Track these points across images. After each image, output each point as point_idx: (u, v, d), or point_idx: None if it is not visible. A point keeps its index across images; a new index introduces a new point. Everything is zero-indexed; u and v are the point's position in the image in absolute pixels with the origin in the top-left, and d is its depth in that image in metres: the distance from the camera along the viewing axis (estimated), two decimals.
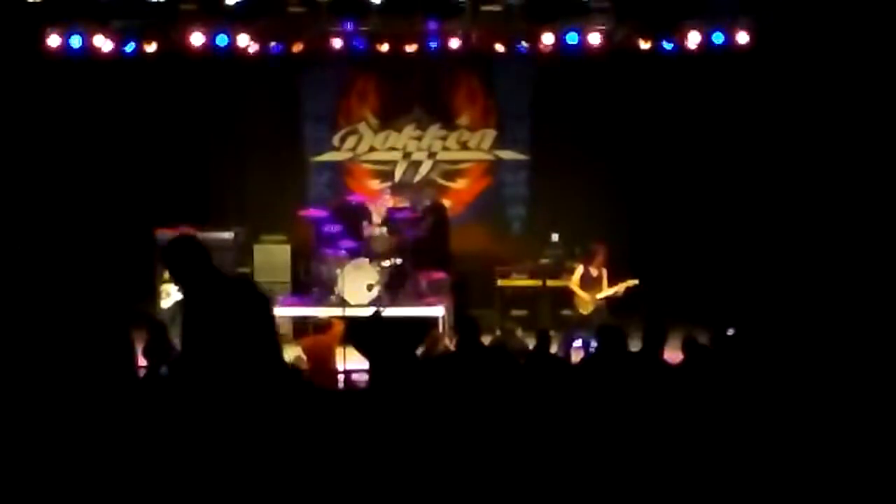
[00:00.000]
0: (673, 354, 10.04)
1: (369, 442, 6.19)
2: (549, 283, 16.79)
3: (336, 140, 19.10)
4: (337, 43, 17.54)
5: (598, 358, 9.76)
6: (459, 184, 19.06)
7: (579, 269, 15.53)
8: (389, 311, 15.56)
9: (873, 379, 7.54)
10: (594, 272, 15.45)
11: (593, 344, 11.00)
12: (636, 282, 15.34)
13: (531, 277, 17.24)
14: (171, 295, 15.29)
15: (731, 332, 10.02)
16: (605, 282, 15.45)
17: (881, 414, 6.92)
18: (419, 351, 10.83)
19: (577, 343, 15.03)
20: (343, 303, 15.86)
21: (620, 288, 15.29)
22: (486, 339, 11.27)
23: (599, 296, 15.38)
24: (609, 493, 6.28)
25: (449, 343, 13.41)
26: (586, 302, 15.37)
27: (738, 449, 6.64)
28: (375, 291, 16.11)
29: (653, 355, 9.36)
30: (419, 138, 19.03)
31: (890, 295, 14.39)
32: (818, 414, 6.97)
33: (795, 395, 7.30)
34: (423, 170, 19.03)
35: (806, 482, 6.31)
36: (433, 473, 6.05)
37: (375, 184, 18.95)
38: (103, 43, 17.21)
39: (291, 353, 12.67)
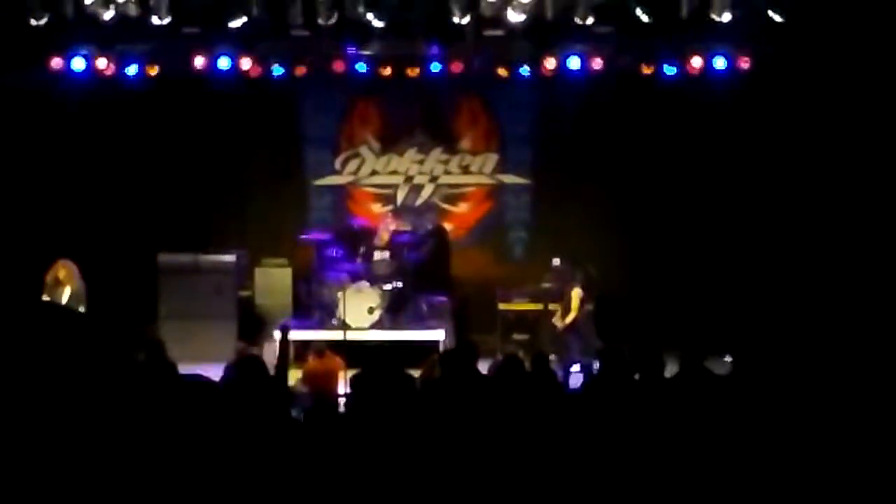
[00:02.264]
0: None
1: (355, 464, 6.19)
2: (551, 306, 16.79)
3: (338, 163, 19.09)
4: (339, 66, 17.61)
5: (600, 380, 9.75)
6: (461, 208, 19.06)
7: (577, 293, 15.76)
8: (389, 335, 15.62)
9: (873, 406, 7.53)
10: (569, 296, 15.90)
11: (595, 366, 11.00)
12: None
13: (532, 301, 17.22)
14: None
15: (728, 359, 10.02)
16: (573, 305, 15.80)
17: (881, 438, 6.91)
18: (417, 375, 10.80)
19: (576, 367, 15.06)
20: (344, 326, 15.86)
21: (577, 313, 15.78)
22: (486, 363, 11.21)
23: (568, 320, 15.78)
24: None
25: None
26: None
27: (741, 465, 6.65)
28: (376, 315, 16.11)
29: (653, 378, 9.36)
30: (421, 162, 19.03)
31: (889, 322, 14.37)
32: (819, 437, 6.96)
33: (797, 418, 7.30)
34: (425, 193, 19.02)
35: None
36: (425, 497, 6.05)
37: (377, 207, 18.95)
38: (106, 66, 17.29)
39: (293, 377, 12.69)
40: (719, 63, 17.00)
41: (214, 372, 12.68)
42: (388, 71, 17.71)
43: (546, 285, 17.09)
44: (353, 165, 19.10)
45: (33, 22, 16.29)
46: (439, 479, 6.26)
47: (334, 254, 16.79)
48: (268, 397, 7.26)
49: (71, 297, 14.84)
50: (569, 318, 15.86)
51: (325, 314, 16.47)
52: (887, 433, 6.97)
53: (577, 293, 15.86)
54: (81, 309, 14.80)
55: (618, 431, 7.40)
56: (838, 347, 10.70)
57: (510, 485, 6.34)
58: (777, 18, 16.08)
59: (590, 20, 16.39)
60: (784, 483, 6.46)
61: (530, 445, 6.91)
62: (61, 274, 15.00)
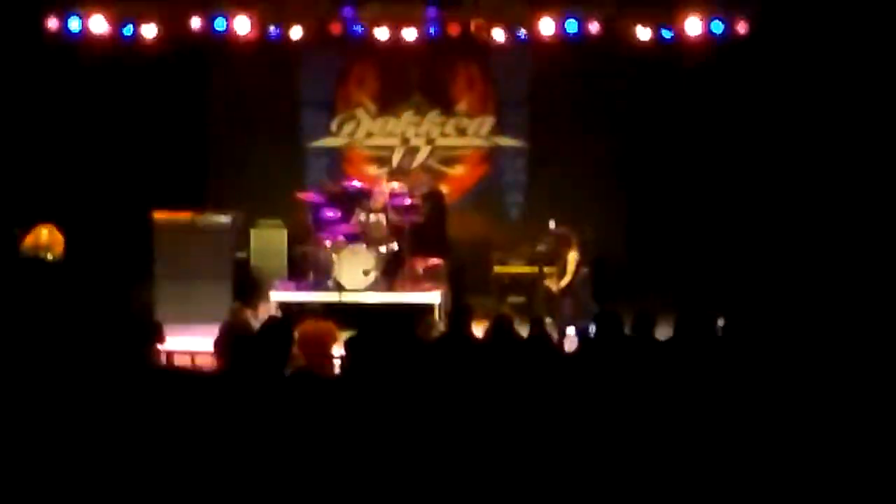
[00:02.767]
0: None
1: (356, 429, 6.19)
2: (547, 269, 16.78)
3: (334, 125, 19.09)
4: (336, 28, 17.58)
5: (595, 343, 9.78)
6: (457, 170, 19.06)
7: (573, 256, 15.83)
8: (384, 297, 15.65)
9: (868, 369, 7.55)
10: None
11: (591, 329, 11.03)
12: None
13: (528, 264, 17.20)
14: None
15: (721, 321, 10.01)
16: (569, 268, 15.94)
17: (877, 405, 6.92)
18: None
19: (571, 331, 15.07)
20: (339, 287, 15.87)
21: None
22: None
23: (563, 282, 15.93)
24: (609, 481, 6.29)
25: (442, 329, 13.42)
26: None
27: (737, 436, 6.66)
28: (372, 276, 16.10)
29: (645, 338, 9.39)
30: (417, 124, 19.02)
31: (887, 285, 14.39)
32: (811, 399, 6.98)
33: (788, 381, 7.32)
34: (421, 156, 19.02)
35: (800, 466, 6.32)
36: (421, 461, 6.06)
37: (373, 169, 18.93)
38: (101, 25, 17.25)
39: None
40: (717, 26, 16.99)
41: (210, 331, 12.79)
42: (384, 33, 17.68)
43: (542, 248, 17.03)
44: (349, 127, 19.09)
45: None
46: (434, 441, 6.27)
47: (330, 215, 16.77)
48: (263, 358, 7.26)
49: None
50: (564, 281, 15.91)
51: (321, 276, 16.45)
52: (879, 398, 6.98)
53: (573, 256, 15.90)
54: None
55: (613, 394, 7.41)
56: (833, 313, 10.73)
57: (503, 447, 6.35)
58: None
59: None
60: (774, 444, 6.47)
61: (526, 408, 6.92)
62: (43, 238, 15.01)
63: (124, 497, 5.51)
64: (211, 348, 12.39)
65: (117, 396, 6.19)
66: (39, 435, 5.78)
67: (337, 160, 19.10)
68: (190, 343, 13.89)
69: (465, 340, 9.85)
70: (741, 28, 17.01)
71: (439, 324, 14.12)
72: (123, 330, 7.54)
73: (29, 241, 15.24)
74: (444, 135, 19.01)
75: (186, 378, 6.35)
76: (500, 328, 10.17)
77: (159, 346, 9.92)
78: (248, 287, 16.98)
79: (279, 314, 14.47)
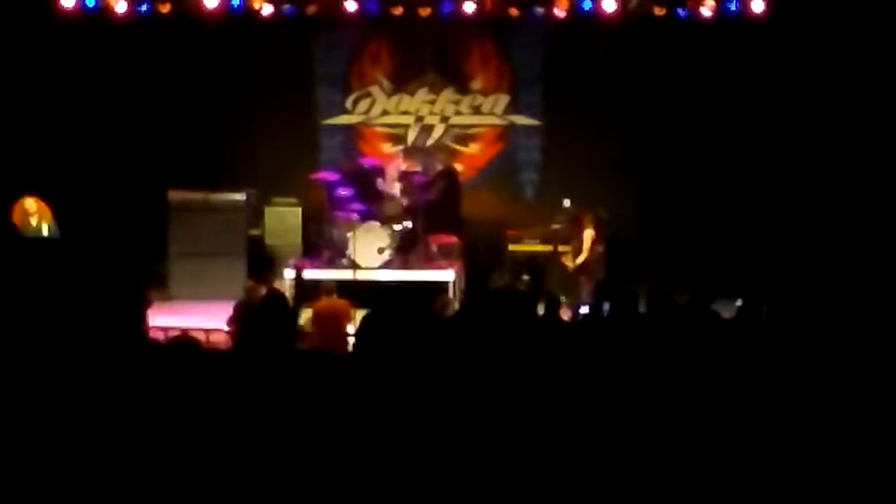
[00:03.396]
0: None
1: (366, 408, 6.20)
2: (561, 248, 16.77)
3: (349, 103, 19.07)
4: (350, 5, 17.60)
5: (610, 321, 9.79)
6: (472, 148, 19.04)
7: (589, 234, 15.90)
8: (398, 275, 15.67)
9: (883, 360, 7.53)
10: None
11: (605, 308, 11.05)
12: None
13: (542, 243, 17.19)
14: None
15: (739, 302, 10.02)
16: (585, 246, 16.07)
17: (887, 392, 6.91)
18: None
19: (585, 309, 15.07)
20: (354, 265, 15.89)
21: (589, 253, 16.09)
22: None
23: (579, 261, 16.05)
24: (615, 455, 6.29)
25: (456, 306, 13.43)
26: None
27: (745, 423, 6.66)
28: (386, 254, 16.11)
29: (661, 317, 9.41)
30: (432, 102, 18.99)
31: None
32: (819, 386, 6.98)
33: (802, 364, 7.32)
34: (436, 134, 19.00)
35: (810, 448, 6.32)
36: (434, 441, 6.07)
37: (388, 147, 18.92)
38: (118, 3, 17.27)
39: (304, 315, 12.77)
40: (732, 5, 16.97)
41: (224, 309, 12.82)
42: (399, 10, 17.68)
43: (556, 227, 17.05)
44: (364, 105, 19.06)
45: None
46: (446, 418, 6.28)
47: (344, 193, 16.79)
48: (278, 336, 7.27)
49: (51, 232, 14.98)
50: (580, 259, 15.96)
51: (335, 254, 16.46)
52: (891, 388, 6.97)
53: (588, 234, 15.95)
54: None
55: (628, 371, 7.42)
56: (852, 296, 10.69)
57: (515, 426, 6.36)
58: None
59: None
60: (780, 425, 6.47)
61: (539, 387, 6.93)
62: (31, 208, 15.05)
63: (123, 479, 5.52)
64: (225, 326, 12.45)
65: (112, 374, 6.19)
66: (33, 415, 5.79)
67: (352, 138, 19.09)
68: (204, 321, 13.93)
69: (558, 327, 9.91)
70: (756, 7, 16.98)
71: (454, 302, 14.11)
72: (113, 304, 7.54)
73: (17, 213, 15.25)
74: (458, 113, 18.98)
75: (191, 353, 6.33)
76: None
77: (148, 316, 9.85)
78: (263, 265, 17.02)
79: (292, 291, 14.46)
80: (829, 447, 6.12)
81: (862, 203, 16.71)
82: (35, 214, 15.21)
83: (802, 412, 6.57)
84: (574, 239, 16.17)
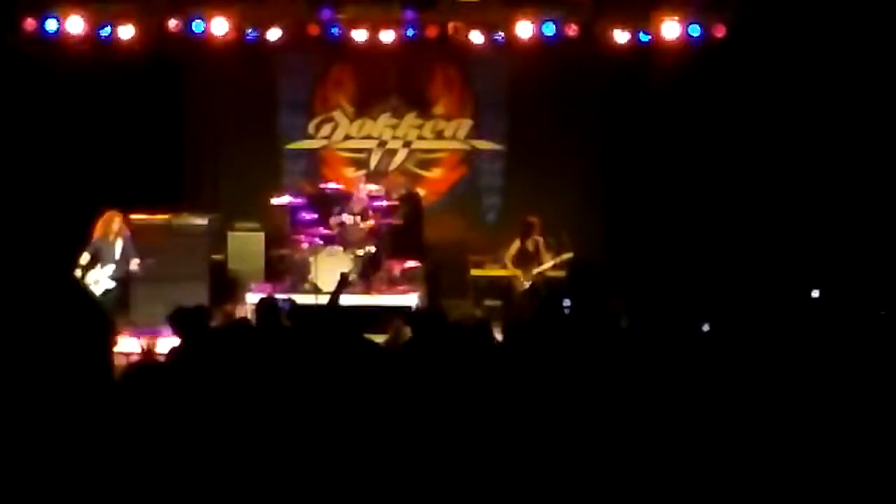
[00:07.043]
0: None
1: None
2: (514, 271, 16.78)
3: (311, 128, 19.06)
4: (314, 30, 17.60)
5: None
6: (434, 173, 19.04)
7: (515, 244, 16.37)
8: (361, 300, 15.61)
9: (854, 377, 7.56)
10: (530, 247, 16.42)
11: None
12: (571, 255, 16.36)
13: (505, 268, 17.20)
14: (98, 282, 15.15)
15: (706, 327, 10.02)
16: (543, 256, 16.29)
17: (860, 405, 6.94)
18: (382, 341, 10.79)
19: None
20: (316, 290, 15.85)
21: (557, 261, 16.30)
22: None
23: (535, 271, 16.28)
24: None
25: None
26: (519, 278, 16.31)
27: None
28: (349, 279, 16.06)
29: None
30: (395, 126, 18.99)
31: (873, 292, 14.41)
32: (792, 406, 7.00)
33: (770, 386, 7.34)
34: (399, 158, 19.00)
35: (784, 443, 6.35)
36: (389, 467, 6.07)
37: (350, 172, 18.89)
38: (78, 26, 17.22)
39: None
40: (695, 30, 17.08)
41: None
42: (362, 35, 17.70)
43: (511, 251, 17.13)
44: (326, 129, 19.06)
45: None
46: (402, 446, 6.28)
47: (307, 218, 16.76)
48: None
49: (124, 248, 15.01)
50: (540, 269, 16.14)
51: (298, 278, 16.45)
52: (864, 401, 7.00)
53: (541, 241, 16.24)
54: (136, 261, 15.06)
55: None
56: (816, 317, 10.74)
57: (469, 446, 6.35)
58: None
59: None
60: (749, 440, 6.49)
61: (490, 409, 6.92)
62: (115, 225, 15.14)
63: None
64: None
65: (78, 403, 6.17)
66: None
67: (314, 162, 19.07)
68: (166, 345, 13.83)
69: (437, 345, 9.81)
70: (718, 32, 17.09)
71: (406, 330, 13.99)
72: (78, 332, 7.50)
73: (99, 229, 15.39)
74: (421, 137, 19.00)
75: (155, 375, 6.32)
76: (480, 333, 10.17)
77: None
78: (225, 290, 16.97)
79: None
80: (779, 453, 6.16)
81: (827, 227, 16.81)
82: (115, 235, 15.29)
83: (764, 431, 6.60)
84: (529, 253, 16.35)
